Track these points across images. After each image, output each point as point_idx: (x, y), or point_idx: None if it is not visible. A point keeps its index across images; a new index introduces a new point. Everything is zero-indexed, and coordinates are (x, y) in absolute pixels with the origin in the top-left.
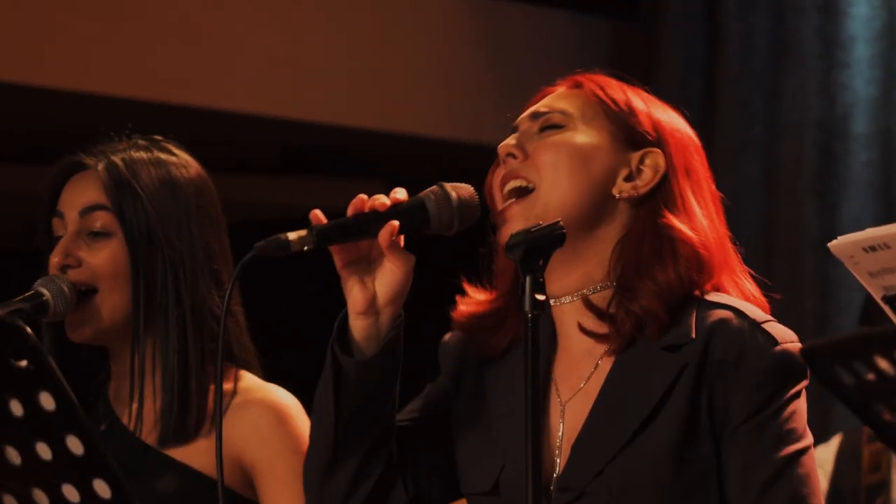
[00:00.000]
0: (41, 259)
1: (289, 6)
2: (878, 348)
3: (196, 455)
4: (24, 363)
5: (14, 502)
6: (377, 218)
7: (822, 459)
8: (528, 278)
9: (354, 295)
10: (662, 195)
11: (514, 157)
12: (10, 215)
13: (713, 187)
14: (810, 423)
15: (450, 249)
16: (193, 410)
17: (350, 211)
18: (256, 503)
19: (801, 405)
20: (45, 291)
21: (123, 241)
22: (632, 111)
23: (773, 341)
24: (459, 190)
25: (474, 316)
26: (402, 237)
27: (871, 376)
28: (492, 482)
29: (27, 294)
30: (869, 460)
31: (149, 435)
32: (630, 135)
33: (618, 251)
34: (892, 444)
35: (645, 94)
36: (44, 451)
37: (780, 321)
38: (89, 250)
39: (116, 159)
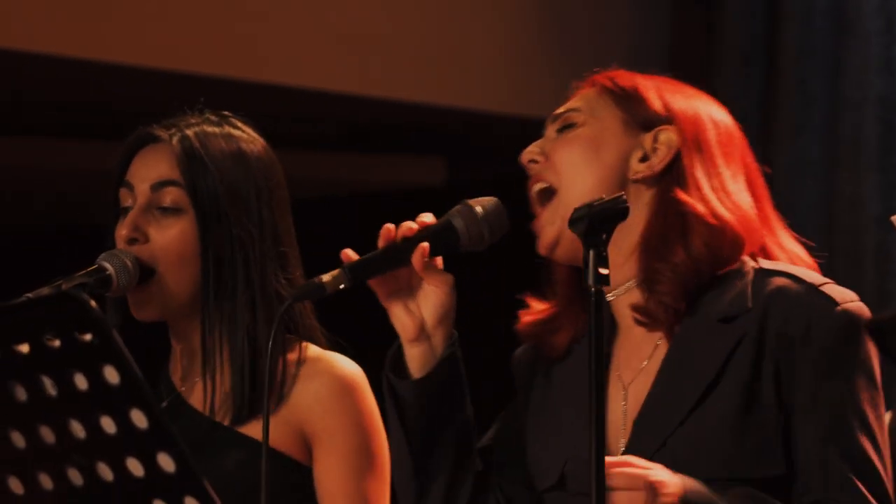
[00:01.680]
0: (105, 234)
1: None
2: None
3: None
4: (88, 337)
5: (78, 476)
6: (408, 245)
7: None
8: (591, 252)
9: (403, 323)
10: (676, 173)
11: (535, 161)
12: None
13: (746, 159)
14: None
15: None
16: (261, 388)
17: (380, 243)
18: None
19: (872, 364)
20: (108, 266)
21: (193, 219)
22: (639, 94)
23: (834, 303)
24: (484, 203)
25: (534, 324)
26: (439, 259)
27: None
28: (558, 473)
29: (91, 268)
30: None
31: (216, 412)
32: (641, 117)
33: (647, 236)
34: None
35: (660, 78)
36: (108, 424)
37: None
38: (158, 226)
39: (189, 133)
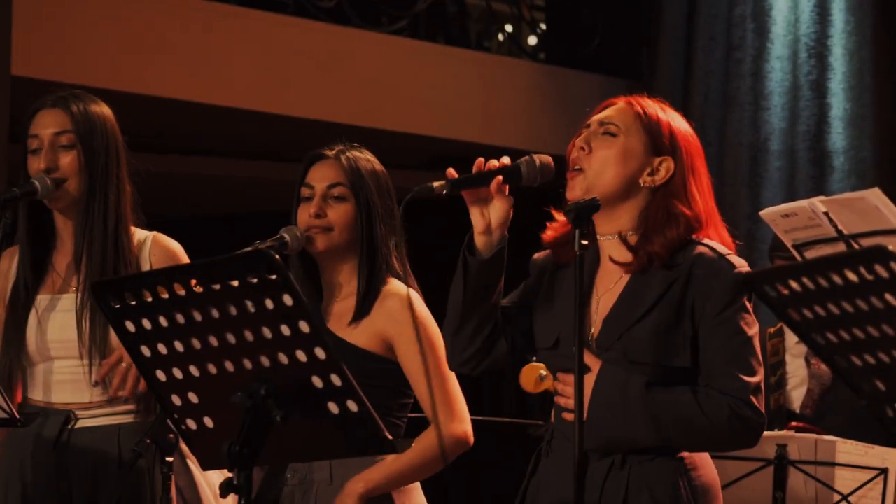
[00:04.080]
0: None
1: (430, 50)
2: (788, 274)
3: (358, 336)
4: (273, 276)
5: (267, 361)
6: (490, 174)
7: None
8: (577, 231)
9: (477, 220)
10: (672, 186)
11: (584, 149)
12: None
13: (708, 176)
14: None
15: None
16: (367, 311)
17: (474, 169)
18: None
19: (750, 307)
20: (285, 235)
21: (354, 205)
22: (659, 123)
23: (732, 266)
24: (542, 158)
25: (555, 237)
26: (506, 186)
27: (785, 291)
28: (553, 340)
29: (275, 237)
30: (770, 349)
31: (339, 329)
32: (655, 143)
33: (643, 216)
34: (801, 335)
35: (668, 107)
36: (285, 330)
37: None
38: (332, 209)
39: (348, 154)
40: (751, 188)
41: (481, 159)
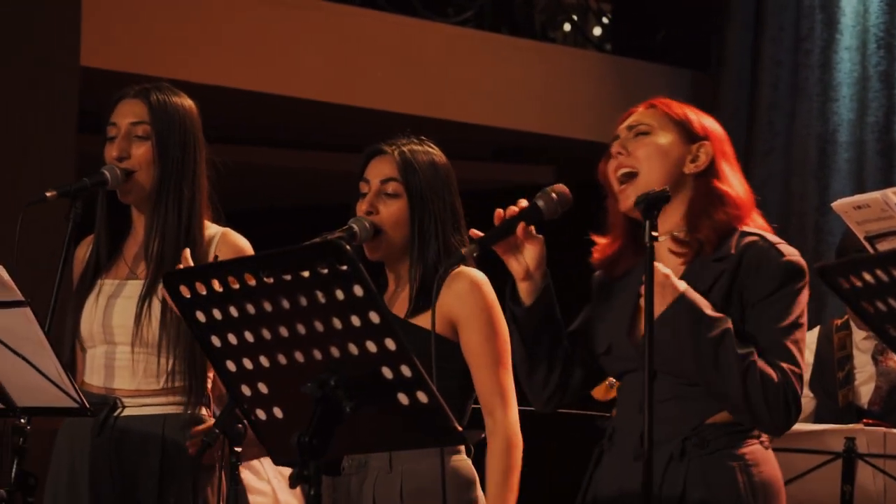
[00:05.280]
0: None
1: (495, 41)
2: (861, 267)
3: (425, 318)
4: (344, 267)
5: (336, 352)
6: (512, 222)
7: (809, 341)
8: (647, 222)
9: (515, 269)
10: (712, 170)
11: (621, 153)
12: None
13: (738, 164)
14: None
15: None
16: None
17: (496, 221)
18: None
19: (801, 298)
20: (354, 226)
21: (407, 202)
22: (688, 119)
23: (782, 254)
24: (557, 189)
25: (602, 258)
26: (532, 227)
27: (858, 283)
28: (606, 346)
29: (344, 227)
30: (837, 342)
31: (403, 313)
32: (689, 134)
33: (690, 206)
34: (873, 328)
35: (693, 108)
36: (355, 320)
37: None
38: (384, 205)
39: (404, 148)
40: (819, 180)
41: (500, 210)
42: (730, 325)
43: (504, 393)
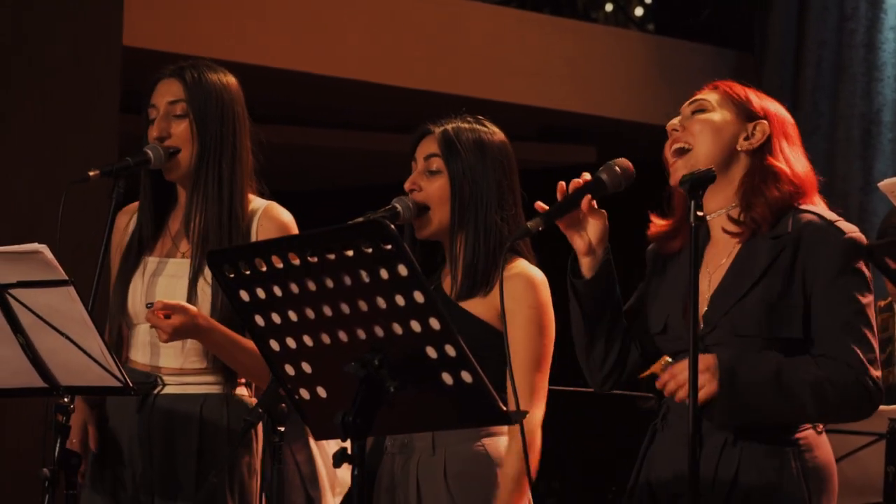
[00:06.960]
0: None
1: (537, 20)
2: None
3: (476, 305)
4: (388, 246)
5: (381, 331)
6: (578, 194)
7: None
8: (692, 202)
9: (577, 243)
10: (767, 148)
11: (676, 130)
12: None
13: (803, 149)
14: None
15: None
16: (483, 282)
17: (558, 195)
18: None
19: (865, 273)
20: (398, 205)
21: (448, 179)
22: (748, 99)
23: (842, 232)
24: (620, 163)
25: (660, 232)
26: (594, 201)
27: None
28: (662, 325)
29: (387, 207)
30: (880, 323)
31: (456, 296)
32: (747, 113)
33: (744, 183)
34: None
35: (756, 91)
36: (399, 300)
37: None
38: (428, 182)
39: (448, 127)
40: (863, 160)
41: (562, 183)
42: (777, 359)
43: (535, 393)
